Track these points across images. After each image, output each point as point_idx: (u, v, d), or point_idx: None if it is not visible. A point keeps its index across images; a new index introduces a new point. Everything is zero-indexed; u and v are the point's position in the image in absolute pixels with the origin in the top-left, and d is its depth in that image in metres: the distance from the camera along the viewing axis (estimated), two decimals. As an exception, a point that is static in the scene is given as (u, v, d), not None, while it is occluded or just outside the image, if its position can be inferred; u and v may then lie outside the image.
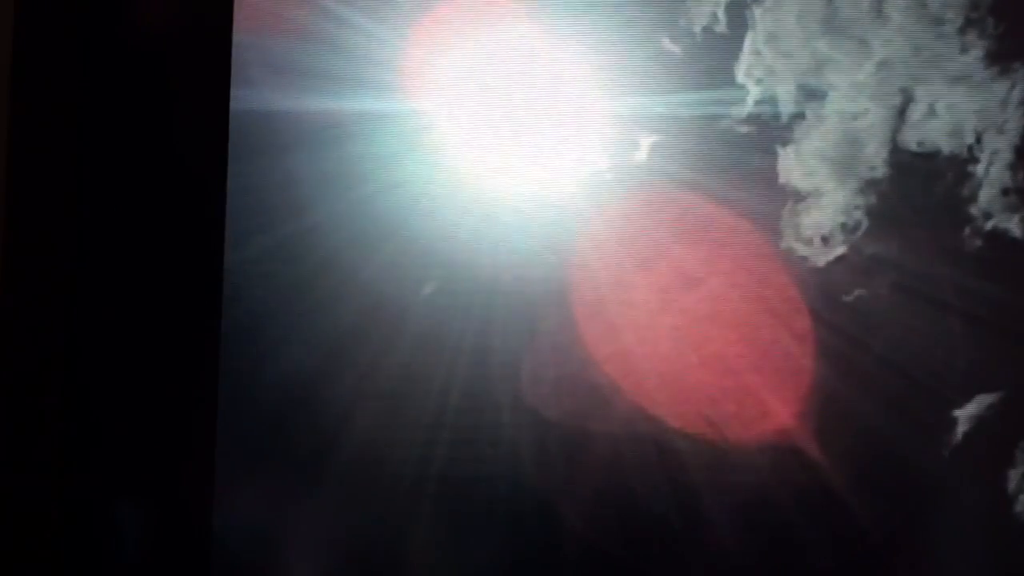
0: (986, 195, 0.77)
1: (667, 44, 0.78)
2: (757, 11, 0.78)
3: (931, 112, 0.78)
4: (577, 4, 0.78)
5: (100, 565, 0.71)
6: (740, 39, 0.78)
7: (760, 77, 0.78)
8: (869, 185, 0.78)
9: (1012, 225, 0.77)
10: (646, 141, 0.78)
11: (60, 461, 0.70)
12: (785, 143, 0.78)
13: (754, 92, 0.78)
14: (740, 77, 0.78)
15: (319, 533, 0.76)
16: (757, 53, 0.78)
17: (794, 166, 0.78)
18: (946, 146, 0.77)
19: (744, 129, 0.78)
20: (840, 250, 0.78)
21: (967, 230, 0.78)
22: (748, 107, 0.78)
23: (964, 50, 0.77)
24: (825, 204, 0.77)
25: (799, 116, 0.78)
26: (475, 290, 0.78)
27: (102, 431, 0.72)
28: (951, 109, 0.77)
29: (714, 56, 0.78)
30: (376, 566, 0.77)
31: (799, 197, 0.78)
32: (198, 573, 0.72)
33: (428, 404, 0.77)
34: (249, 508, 0.75)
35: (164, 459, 0.72)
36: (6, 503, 0.70)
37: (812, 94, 0.78)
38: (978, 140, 0.77)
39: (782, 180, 0.78)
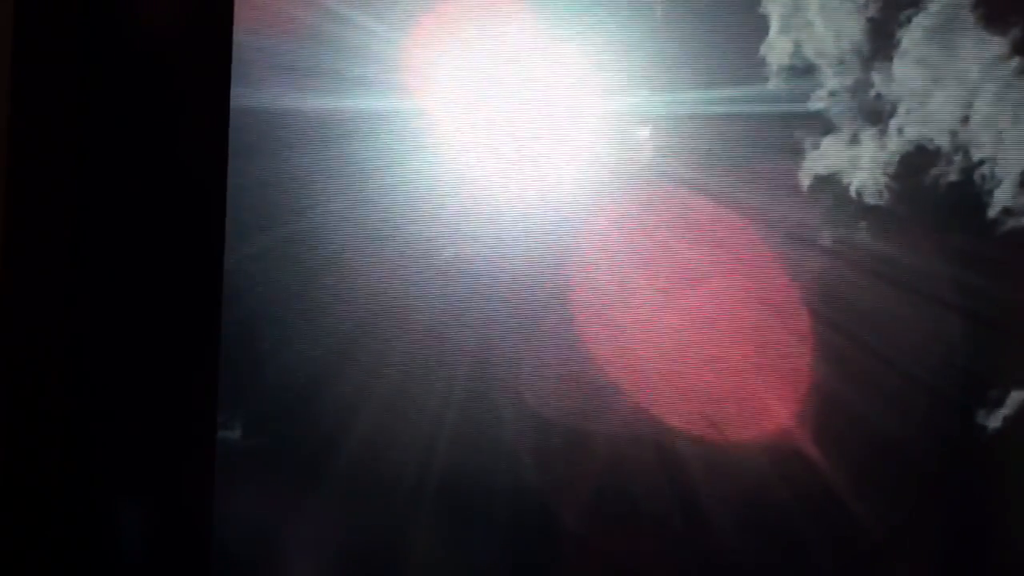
0: (1004, 192, 0.77)
1: (669, 42, 0.78)
2: (765, 9, 0.78)
3: (941, 107, 0.77)
4: (578, 3, 0.78)
5: (100, 565, 0.71)
6: (744, 37, 0.78)
7: (767, 74, 0.78)
8: (875, 182, 0.78)
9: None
10: (647, 140, 0.78)
11: (60, 461, 0.70)
12: (792, 141, 0.78)
13: (758, 90, 0.78)
14: (748, 74, 0.78)
15: (319, 533, 0.76)
16: (767, 50, 0.78)
17: (806, 165, 0.78)
18: (958, 140, 0.77)
19: (746, 128, 0.78)
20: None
21: (973, 227, 0.78)
22: (750, 106, 0.78)
23: (985, 42, 0.77)
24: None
25: (806, 114, 0.78)
26: (476, 290, 0.78)
27: (102, 431, 0.72)
28: (960, 104, 0.77)
29: (717, 55, 0.78)
30: (376, 566, 0.77)
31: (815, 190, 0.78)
32: (198, 573, 0.72)
33: (428, 404, 0.77)
34: (249, 508, 0.75)
35: (164, 459, 0.72)
36: (6, 503, 0.70)
37: (821, 91, 0.78)
38: (995, 135, 0.77)
39: (796, 178, 0.78)
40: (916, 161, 0.78)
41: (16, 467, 0.71)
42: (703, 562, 0.77)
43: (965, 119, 0.77)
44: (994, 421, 0.77)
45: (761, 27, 0.78)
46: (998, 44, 0.77)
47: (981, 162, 0.77)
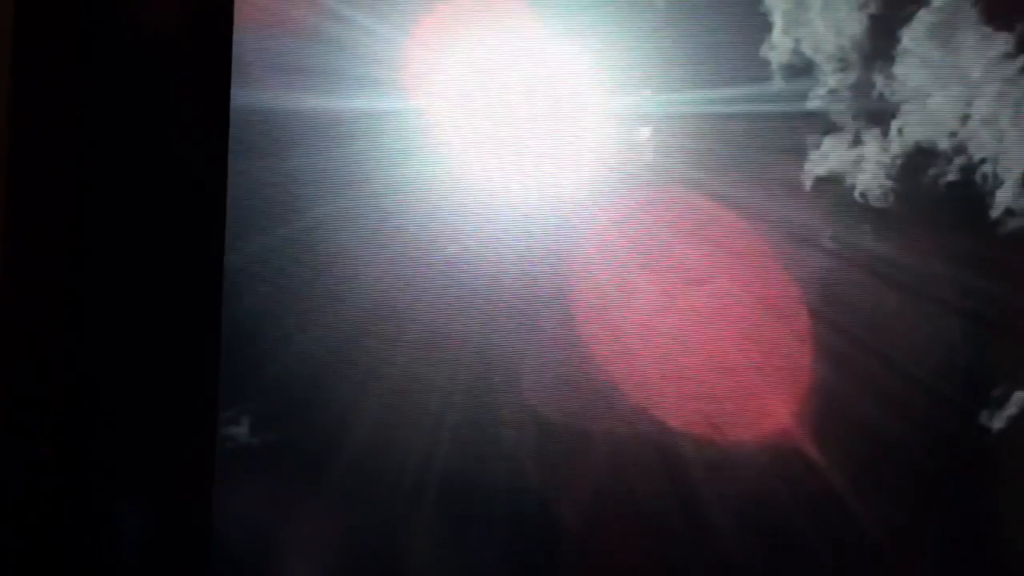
0: (1006, 193, 0.76)
1: (670, 42, 0.78)
2: (767, 8, 0.78)
3: (944, 107, 0.77)
4: (579, 2, 0.78)
5: (100, 565, 0.71)
6: (745, 36, 0.78)
7: (768, 74, 0.78)
8: (877, 183, 0.78)
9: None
10: (648, 140, 0.78)
11: (60, 461, 0.71)
12: (794, 141, 0.78)
13: (760, 90, 0.78)
14: (750, 73, 0.78)
15: (319, 533, 0.76)
16: (769, 49, 0.78)
17: (807, 165, 0.78)
18: (960, 140, 0.77)
19: (748, 128, 0.78)
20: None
21: (975, 228, 0.77)
22: (752, 106, 0.78)
23: (988, 41, 0.77)
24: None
25: (807, 114, 0.78)
26: (476, 290, 0.77)
27: (102, 431, 0.72)
28: (963, 103, 0.77)
29: (718, 54, 0.78)
30: (376, 566, 0.77)
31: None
32: (198, 573, 0.72)
33: (429, 404, 0.77)
34: (249, 508, 0.75)
35: (164, 459, 0.72)
36: (6, 503, 0.70)
37: (822, 90, 0.78)
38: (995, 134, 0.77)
39: (798, 178, 0.78)
40: (918, 161, 0.78)
41: (15, 467, 0.71)
42: (703, 562, 0.77)
43: (967, 119, 0.77)
44: (996, 422, 0.77)
45: (763, 26, 0.78)
46: (1001, 43, 0.77)
47: (983, 161, 0.77)
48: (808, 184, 0.78)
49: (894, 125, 0.78)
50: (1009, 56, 0.77)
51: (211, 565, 0.73)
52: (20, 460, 0.71)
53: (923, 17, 0.77)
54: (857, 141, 0.78)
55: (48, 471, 0.71)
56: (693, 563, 0.77)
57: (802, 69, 0.78)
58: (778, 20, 0.78)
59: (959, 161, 0.77)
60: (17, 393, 0.71)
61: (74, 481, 0.72)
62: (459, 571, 0.77)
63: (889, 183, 0.78)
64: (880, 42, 0.77)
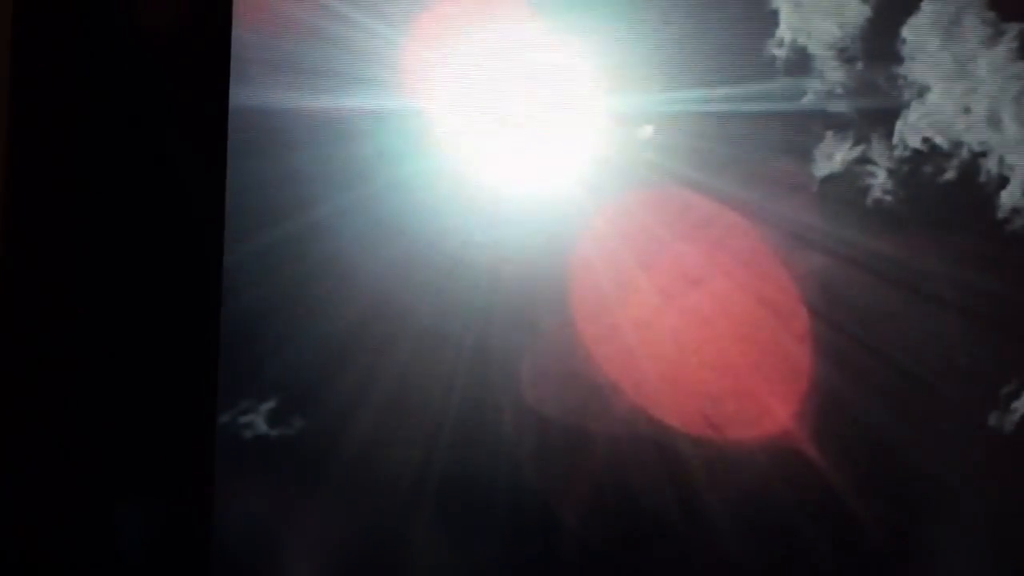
0: (1011, 192, 0.76)
1: (672, 41, 0.78)
2: (771, 5, 0.78)
3: (948, 107, 0.77)
4: (579, 2, 0.78)
5: (101, 565, 0.71)
6: (748, 34, 0.78)
7: (771, 72, 0.78)
8: (879, 182, 0.78)
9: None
10: (647, 139, 0.78)
11: (60, 461, 0.71)
12: (795, 140, 0.78)
13: (762, 89, 0.78)
14: (752, 72, 0.78)
15: (319, 533, 0.76)
16: (772, 47, 0.78)
17: (809, 164, 0.78)
18: (965, 140, 0.77)
19: (749, 127, 0.78)
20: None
21: (979, 227, 0.77)
22: (753, 104, 0.78)
23: (992, 43, 0.77)
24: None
25: (810, 113, 0.78)
26: (476, 289, 0.77)
27: (102, 431, 0.72)
28: (967, 103, 0.77)
29: (720, 52, 0.78)
30: (376, 566, 0.77)
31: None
32: (198, 573, 0.72)
33: (429, 403, 0.77)
34: (249, 508, 0.75)
35: (164, 459, 0.72)
36: (6, 503, 0.70)
37: (826, 89, 0.78)
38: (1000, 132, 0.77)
39: (799, 177, 0.78)
40: (922, 160, 0.78)
41: (16, 467, 0.71)
42: (703, 561, 0.77)
43: (972, 119, 0.77)
44: (1000, 422, 0.77)
45: (766, 24, 0.78)
46: (1008, 41, 0.77)
47: (984, 154, 0.77)
48: (809, 184, 0.78)
49: (898, 124, 0.78)
50: (1016, 53, 0.77)
51: (211, 565, 0.73)
52: (20, 460, 0.71)
53: (928, 17, 0.77)
54: (860, 140, 0.78)
55: (48, 471, 0.71)
56: (693, 562, 0.77)
57: (805, 68, 0.78)
58: (781, 19, 0.78)
59: (965, 161, 0.77)
60: (17, 392, 0.71)
61: (74, 481, 0.72)
62: (459, 571, 0.77)
63: (892, 182, 0.78)
64: (885, 41, 0.77)
